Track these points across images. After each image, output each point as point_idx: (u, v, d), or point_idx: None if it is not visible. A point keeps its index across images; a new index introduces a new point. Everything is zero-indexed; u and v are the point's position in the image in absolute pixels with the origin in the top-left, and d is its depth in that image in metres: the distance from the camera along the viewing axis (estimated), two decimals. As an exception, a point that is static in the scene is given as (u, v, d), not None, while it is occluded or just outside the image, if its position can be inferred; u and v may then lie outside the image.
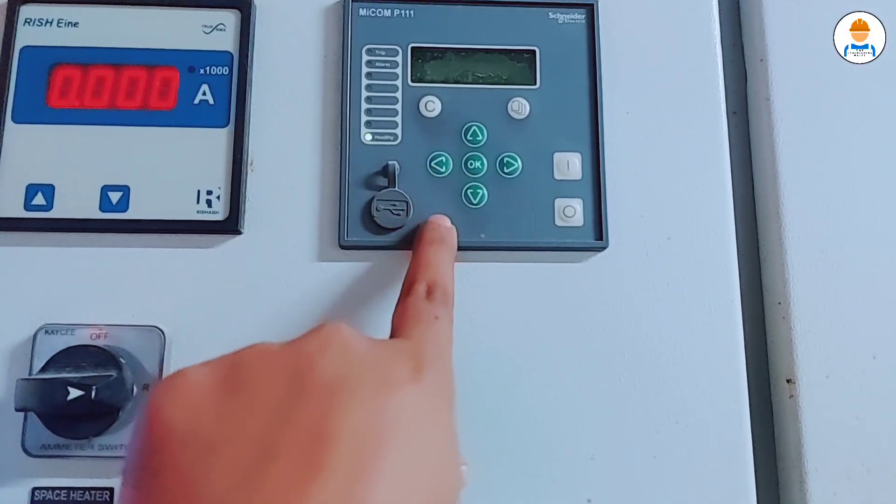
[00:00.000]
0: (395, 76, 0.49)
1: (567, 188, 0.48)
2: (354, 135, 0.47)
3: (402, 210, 0.46)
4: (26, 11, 0.47)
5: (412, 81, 0.49)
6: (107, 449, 0.42)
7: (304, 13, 0.50)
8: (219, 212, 0.45)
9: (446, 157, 0.48)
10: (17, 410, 0.38)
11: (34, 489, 0.42)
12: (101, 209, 0.45)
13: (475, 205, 0.47)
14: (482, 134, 0.48)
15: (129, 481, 0.26)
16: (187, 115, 0.47)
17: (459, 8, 0.50)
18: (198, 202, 0.46)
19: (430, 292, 0.38)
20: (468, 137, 0.48)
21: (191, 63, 0.48)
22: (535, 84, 0.49)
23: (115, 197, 0.45)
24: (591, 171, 0.48)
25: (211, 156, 0.46)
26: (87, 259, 0.45)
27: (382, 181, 0.47)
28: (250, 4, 0.48)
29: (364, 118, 0.48)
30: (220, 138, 0.47)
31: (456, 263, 0.45)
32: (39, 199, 0.45)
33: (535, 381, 0.46)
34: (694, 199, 0.49)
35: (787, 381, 0.48)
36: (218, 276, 0.45)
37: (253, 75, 0.48)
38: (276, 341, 0.30)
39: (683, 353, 0.47)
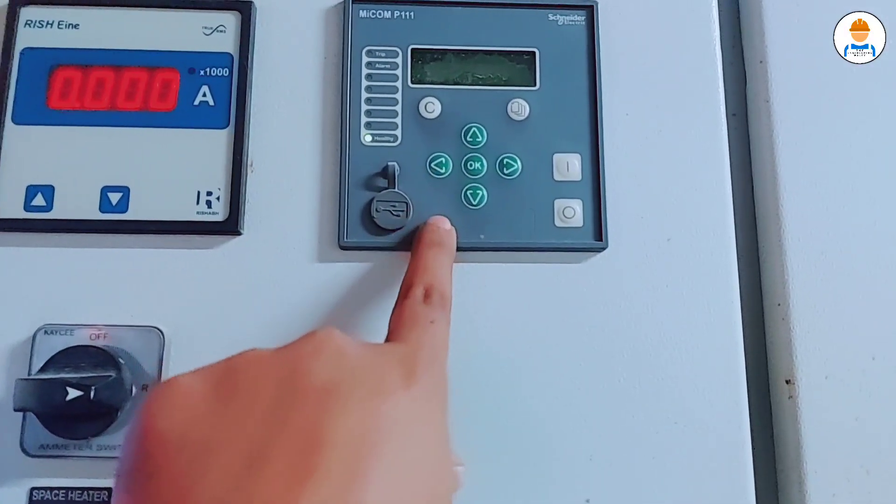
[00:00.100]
0: (395, 77, 0.49)
1: (567, 189, 0.48)
2: (354, 136, 0.47)
3: (402, 211, 0.46)
4: (27, 13, 0.48)
5: (412, 83, 0.49)
6: (105, 449, 0.42)
7: (304, 15, 0.50)
8: (219, 213, 0.46)
9: (446, 159, 0.48)
10: (15, 410, 0.38)
11: (32, 489, 0.42)
12: (101, 210, 0.45)
13: (475, 206, 0.47)
14: (482, 135, 0.48)
15: (122, 486, 0.26)
16: (187, 117, 0.47)
17: (459, 9, 0.50)
18: (198, 203, 0.46)
19: (427, 295, 0.38)
20: (468, 138, 0.48)
21: (191, 64, 0.48)
22: (534, 85, 0.49)
23: (114, 198, 0.45)
24: (590, 172, 0.48)
25: (211, 157, 0.46)
26: (86, 260, 0.45)
27: (382, 182, 0.47)
28: (250, 6, 0.48)
29: (364, 119, 0.48)
30: (220, 139, 0.47)
31: (456, 264, 0.45)
32: (39, 200, 0.45)
33: (535, 382, 0.46)
34: (694, 200, 0.49)
35: (787, 381, 0.48)
36: (218, 277, 0.45)
37: (253, 77, 0.48)
38: (269, 346, 0.30)
39: (683, 353, 0.47)
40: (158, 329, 0.44)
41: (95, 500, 0.41)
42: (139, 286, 0.45)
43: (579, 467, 0.45)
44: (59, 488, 0.42)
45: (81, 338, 0.43)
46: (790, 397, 0.47)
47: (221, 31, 0.48)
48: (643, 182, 0.49)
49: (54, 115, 0.46)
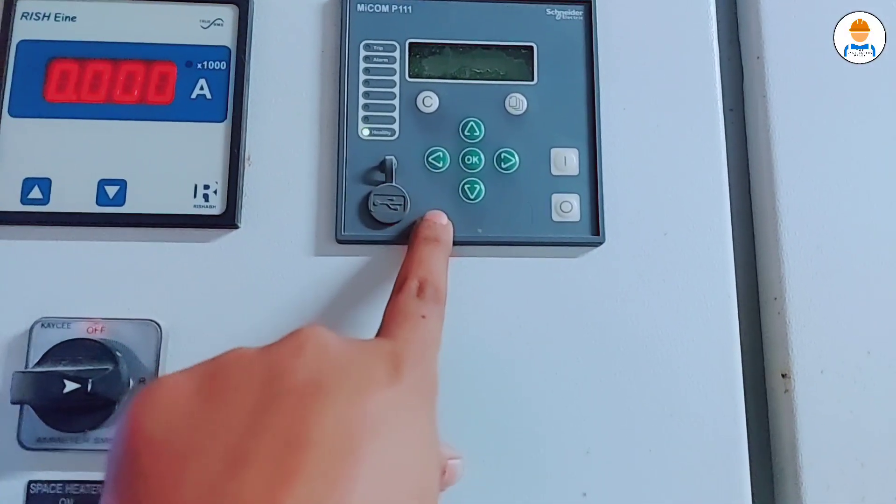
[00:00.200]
0: (393, 71, 0.49)
1: (564, 184, 0.48)
2: (352, 130, 0.47)
3: (400, 205, 0.46)
4: (23, 5, 0.47)
5: (410, 77, 0.49)
6: (102, 442, 0.42)
7: (301, 8, 0.50)
8: (216, 206, 0.45)
9: (444, 153, 0.48)
10: (12, 403, 0.38)
11: (30, 482, 0.42)
12: (98, 203, 0.45)
13: (472, 200, 0.47)
14: (480, 129, 0.48)
15: (110, 486, 0.26)
16: (185, 110, 0.47)
17: (457, 4, 0.50)
18: (195, 196, 0.46)
19: (421, 289, 0.38)
20: (466, 133, 0.48)
21: (188, 58, 0.48)
22: (532, 80, 0.49)
23: (111, 191, 0.45)
24: (588, 167, 0.48)
25: (208, 150, 0.46)
26: (83, 253, 0.45)
27: (380, 176, 0.47)
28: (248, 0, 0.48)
29: (361, 113, 0.48)
30: (217, 133, 0.47)
31: (453, 258, 0.45)
32: (36, 193, 0.45)
33: (531, 376, 0.46)
34: (690, 195, 0.49)
35: (782, 375, 0.48)
36: (215, 271, 0.45)
37: (250, 70, 0.48)
38: (266, 340, 0.30)
39: (679, 347, 0.47)
40: (155, 322, 0.44)
41: (92, 492, 0.41)
42: (136, 279, 0.45)
43: (576, 461, 0.45)
44: (56, 481, 0.42)
45: (78, 331, 0.43)
46: (786, 391, 0.48)
47: (219, 25, 0.48)
48: (640, 177, 0.49)
49: (51, 108, 0.46)
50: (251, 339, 0.43)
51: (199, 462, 0.25)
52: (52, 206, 0.45)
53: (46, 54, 0.47)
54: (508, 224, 0.47)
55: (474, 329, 0.46)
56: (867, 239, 0.50)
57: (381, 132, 0.48)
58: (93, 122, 0.46)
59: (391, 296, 0.38)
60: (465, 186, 0.47)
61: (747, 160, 0.53)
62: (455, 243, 0.46)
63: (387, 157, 0.47)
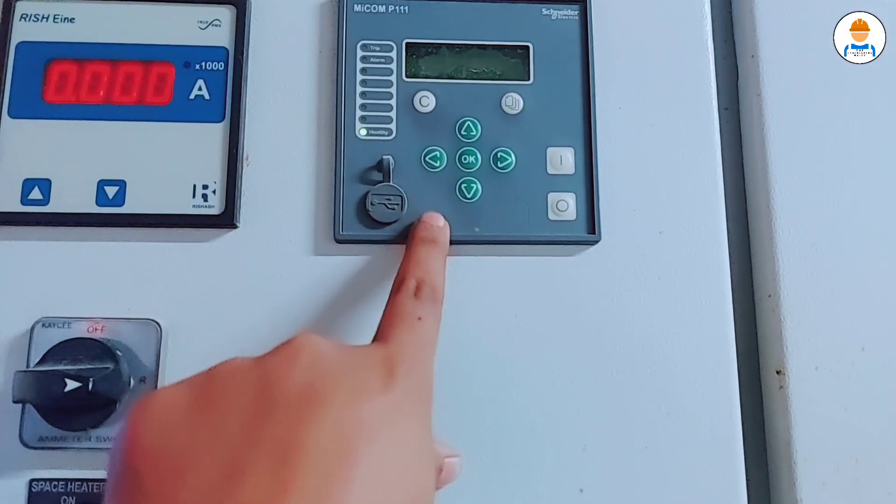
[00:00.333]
0: (390, 71, 0.49)
1: (560, 182, 0.48)
2: (349, 130, 0.48)
3: (397, 204, 0.46)
4: (22, 7, 0.48)
5: (406, 77, 0.49)
6: (104, 441, 0.42)
7: (299, 9, 0.50)
8: (215, 206, 0.46)
9: (440, 152, 0.48)
10: (14, 402, 0.38)
11: (32, 481, 0.42)
12: (98, 203, 0.45)
13: (469, 199, 0.47)
14: (476, 129, 0.48)
15: (109, 499, 0.27)
16: (183, 110, 0.47)
17: (453, 4, 0.50)
18: (194, 196, 0.46)
19: (418, 289, 0.38)
20: (462, 132, 0.48)
21: (186, 58, 0.48)
22: (528, 79, 0.50)
23: (111, 191, 0.45)
24: (584, 166, 0.49)
25: (207, 150, 0.47)
26: (83, 253, 0.45)
27: (377, 176, 0.47)
28: (245, 0, 0.49)
29: (359, 113, 0.48)
30: (215, 133, 0.47)
31: (450, 257, 0.45)
32: (36, 194, 0.45)
33: (528, 374, 0.46)
34: (686, 193, 0.49)
35: (777, 372, 0.48)
36: (214, 270, 0.46)
37: (248, 71, 0.48)
38: (265, 339, 0.30)
39: (675, 345, 0.47)
40: (156, 322, 0.44)
41: (94, 491, 0.42)
42: (136, 279, 0.45)
43: (573, 458, 0.46)
44: (58, 480, 0.42)
45: (79, 330, 0.43)
46: (780, 388, 0.48)
47: (217, 26, 0.48)
48: (636, 175, 0.49)
49: (50, 109, 0.46)
50: (250, 337, 0.44)
51: (197, 473, 0.25)
52: (52, 207, 0.45)
53: (45, 56, 0.47)
54: (505, 223, 0.47)
55: (472, 327, 0.47)
56: (861, 237, 0.50)
57: (378, 132, 0.48)
58: (92, 122, 0.46)
59: (389, 296, 0.38)
60: (462, 186, 0.48)
61: (742, 158, 0.54)
62: (452, 242, 0.46)
63: (384, 157, 0.47)
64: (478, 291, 0.47)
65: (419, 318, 0.36)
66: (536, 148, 0.49)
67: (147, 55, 0.48)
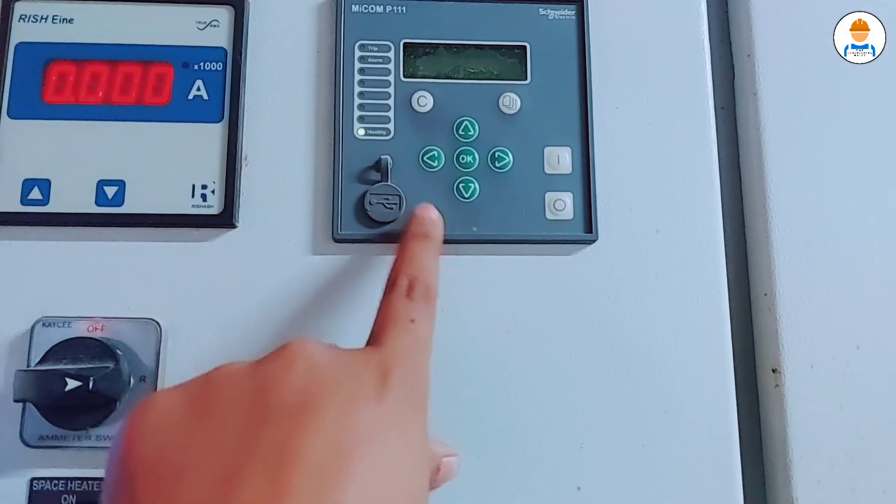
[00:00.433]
0: (388, 72, 0.49)
1: (557, 182, 0.48)
2: (347, 130, 0.48)
3: (395, 204, 0.47)
4: (21, 8, 0.48)
5: (404, 77, 0.49)
6: (104, 440, 0.42)
7: (297, 9, 0.50)
8: (213, 206, 0.46)
9: (438, 152, 0.48)
10: (15, 401, 0.38)
11: (32, 479, 0.42)
12: (97, 203, 0.45)
13: (467, 198, 0.48)
14: (474, 129, 0.49)
15: None
16: (182, 111, 0.47)
17: (451, 4, 0.50)
18: (193, 196, 0.46)
19: (411, 288, 0.38)
20: (460, 132, 0.49)
21: (185, 59, 0.48)
22: (525, 79, 0.50)
23: (110, 191, 0.46)
24: (581, 166, 0.49)
25: (205, 150, 0.47)
26: (83, 253, 0.45)
27: (375, 175, 0.47)
28: (244, 1, 0.49)
29: (357, 113, 0.48)
30: (214, 133, 0.47)
31: (448, 256, 0.46)
32: (36, 194, 0.45)
33: (526, 372, 0.47)
34: (682, 192, 0.50)
35: (773, 371, 0.49)
36: (213, 270, 0.46)
37: (247, 71, 0.48)
38: (264, 337, 0.30)
39: (672, 343, 0.47)
40: (155, 321, 0.44)
41: (95, 489, 0.42)
42: (136, 279, 0.45)
43: (570, 456, 0.46)
44: (58, 478, 0.42)
45: (79, 330, 0.43)
46: (776, 386, 0.48)
47: (215, 26, 0.49)
48: (633, 175, 0.50)
49: (49, 110, 0.47)
50: (249, 336, 0.45)
51: (192, 481, 0.25)
52: (51, 207, 0.45)
53: (44, 56, 0.47)
54: (503, 222, 0.48)
55: (469, 326, 0.47)
56: (856, 236, 0.50)
57: (376, 132, 0.48)
58: (91, 123, 0.47)
59: (383, 295, 0.38)
60: (460, 185, 0.48)
61: (738, 158, 0.54)
62: (450, 241, 0.46)
63: (382, 157, 0.47)
64: (476, 290, 0.47)
65: (412, 321, 0.35)
66: (534, 147, 0.49)
67: (146, 56, 0.48)
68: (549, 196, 0.48)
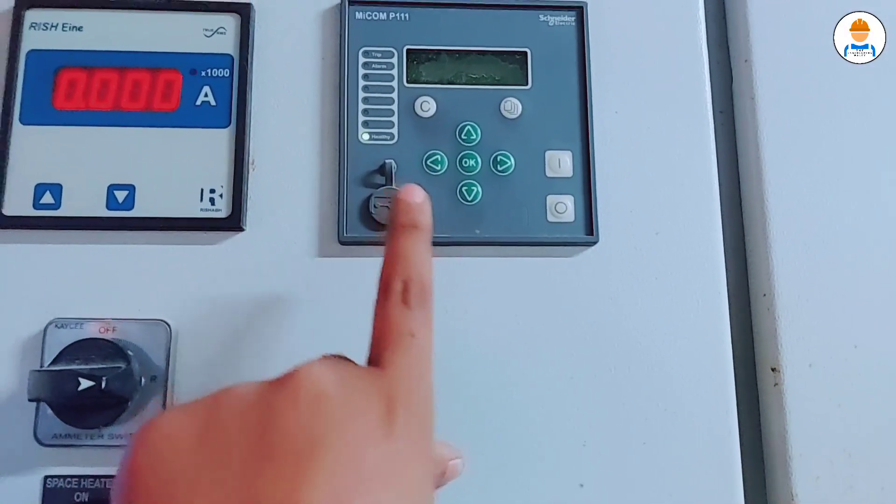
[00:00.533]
0: (391, 77, 0.50)
1: (559, 185, 0.49)
2: (352, 134, 0.49)
3: (392, 197, 0.47)
4: (32, 16, 0.49)
5: (408, 82, 0.50)
6: (116, 438, 0.43)
7: (302, 17, 0.51)
8: (221, 209, 0.47)
9: (441, 156, 0.49)
10: (29, 401, 0.39)
11: (46, 477, 0.43)
12: (108, 207, 0.46)
13: (470, 201, 0.48)
14: (476, 133, 0.49)
15: None
16: (190, 116, 0.48)
17: (453, 11, 0.51)
18: (201, 200, 0.47)
19: (406, 291, 0.36)
20: (462, 136, 0.49)
21: (193, 66, 0.49)
22: (526, 84, 0.51)
23: (121, 195, 0.46)
24: (581, 169, 0.50)
25: (213, 155, 0.48)
26: (94, 256, 0.46)
27: (380, 179, 0.48)
28: (250, 8, 0.50)
29: (361, 118, 0.49)
30: (221, 138, 0.48)
31: (452, 258, 0.46)
32: (48, 198, 0.46)
33: (529, 372, 0.47)
34: (682, 195, 0.50)
35: (772, 369, 0.49)
36: (221, 272, 0.47)
37: (253, 77, 0.49)
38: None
39: (672, 343, 0.48)
40: (165, 322, 0.45)
41: (107, 487, 0.43)
42: (146, 281, 0.46)
43: (573, 453, 0.46)
44: (71, 476, 0.43)
45: (91, 331, 0.44)
46: (775, 385, 0.49)
47: (222, 33, 0.49)
48: (633, 178, 0.50)
49: (60, 116, 0.47)
50: (256, 336, 0.45)
51: None
52: (63, 211, 0.46)
53: (55, 63, 0.48)
54: (505, 225, 0.48)
55: (473, 327, 0.47)
56: (854, 236, 0.51)
57: (380, 136, 0.49)
58: (101, 128, 0.47)
59: (377, 300, 0.37)
60: (463, 188, 0.49)
61: (737, 160, 0.55)
62: (453, 244, 0.47)
63: (386, 161, 0.48)
64: (478, 292, 0.48)
65: (412, 335, 0.34)
66: (535, 151, 0.50)
67: (154, 62, 0.49)
68: (551, 199, 0.49)
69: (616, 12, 0.53)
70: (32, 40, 0.48)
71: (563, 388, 0.47)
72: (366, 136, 0.49)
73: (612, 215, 0.49)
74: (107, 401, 0.40)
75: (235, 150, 0.48)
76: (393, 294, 0.36)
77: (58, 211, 0.46)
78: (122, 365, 0.41)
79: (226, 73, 0.49)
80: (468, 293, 0.48)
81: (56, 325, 0.44)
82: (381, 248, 0.47)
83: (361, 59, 0.50)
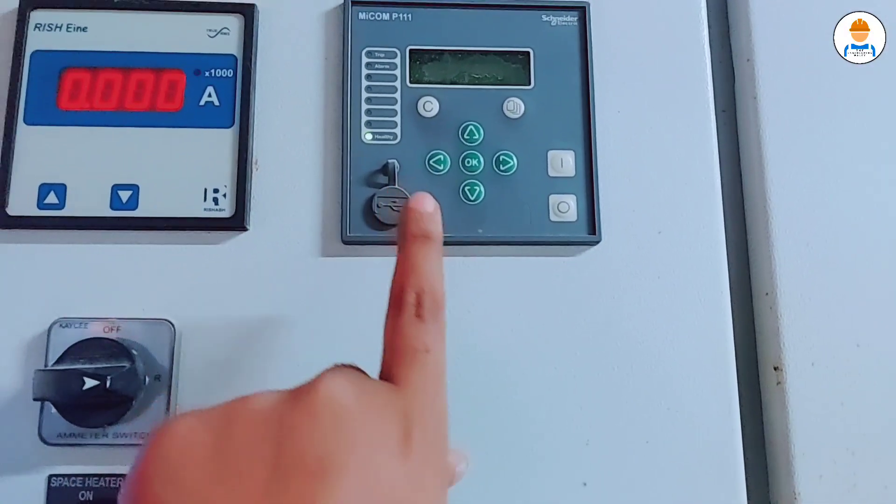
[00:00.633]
0: (394, 77, 0.50)
1: (561, 185, 0.49)
2: (355, 134, 0.49)
3: (402, 206, 0.47)
4: (36, 17, 0.49)
5: (410, 82, 0.50)
6: (121, 437, 0.43)
7: (305, 17, 0.51)
8: (225, 209, 0.47)
9: (444, 156, 0.49)
10: (35, 400, 0.39)
11: (50, 476, 0.43)
12: (112, 207, 0.46)
13: (472, 201, 0.49)
14: (479, 133, 0.50)
15: None
16: (193, 117, 0.48)
17: (455, 11, 0.51)
18: (205, 200, 0.47)
19: (419, 304, 0.35)
20: (465, 136, 0.49)
21: (196, 66, 0.49)
22: (529, 84, 0.51)
23: (124, 195, 0.47)
24: (584, 168, 0.50)
25: (217, 155, 0.48)
26: (98, 255, 0.46)
27: (383, 179, 0.48)
28: (253, 9, 0.50)
29: (364, 118, 0.49)
30: (225, 138, 0.48)
31: (455, 258, 0.46)
32: (52, 198, 0.46)
33: (532, 371, 0.47)
34: (684, 194, 0.51)
35: (775, 368, 0.49)
36: (225, 271, 0.47)
37: (256, 77, 0.49)
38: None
39: (674, 342, 0.48)
40: (169, 321, 0.45)
41: (111, 486, 0.43)
42: (150, 280, 0.46)
43: (576, 452, 0.47)
44: (76, 475, 0.43)
45: (95, 331, 0.44)
46: (778, 383, 0.49)
47: (225, 34, 0.50)
48: (635, 177, 0.50)
49: (65, 116, 0.48)
50: (260, 335, 0.45)
51: None
52: (67, 211, 0.46)
53: (59, 64, 0.48)
54: (508, 224, 0.49)
55: (476, 326, 0.48)
56: (856, 235, 0.51)
57: (383, 136, 0.49)
58: (105, 129, 0.48)
59: (389, 311, 0.36)
60: (466, 188, 0.49)
61: (739, 159, 0.55)
62: (456, 243, 0.47)
63: (389, 161, 0.48)
64: (481, 291, 0.48)
65: (427, 351, 0.33)
66: (537, 151, 0.50)
67: (158, 63, 0.49)
68: (553, 198, 0.49)
69: (618, 12, 0.53)
70: (37, 41, 0.49)
71: (566, 388, 0.47)
72: (369, 136, 0.49)
73: (614, 215, 0.49)
74: (111, 400, 0.41)
75: (239, 150, 0.48)
76: (406, 307, 0.35)
77: (62, 211, 0.46)
78: (127, 364, 0.41)
79: (229, 73, 0.49)
80: (471, 293, 0.48)
81: (60, 325, 0.44)
82: (385, 248, 0.47)
83: (364, 59, 0.50)
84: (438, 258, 0.39)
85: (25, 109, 0.47)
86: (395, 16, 0.51)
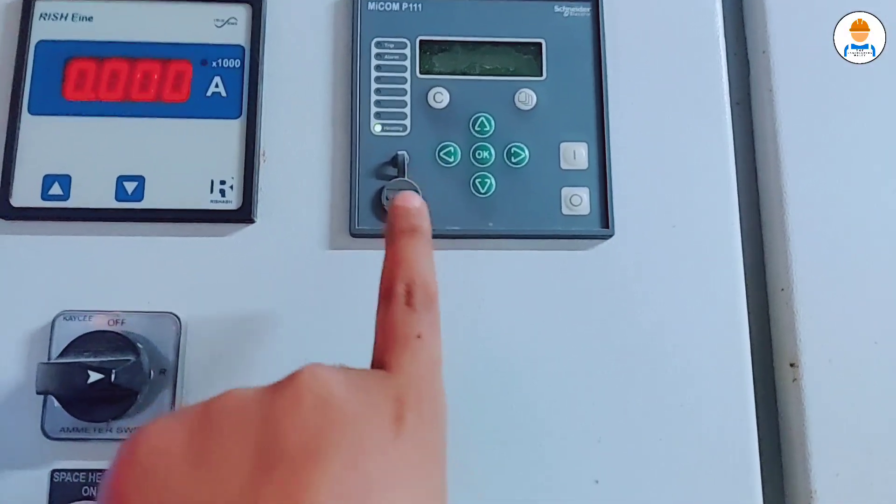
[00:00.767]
0: (404, 68, 0.49)
1: (574, 177, 0.49)
2: (364, 126, 0.48)
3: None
4: (41, 6, 0.48)
5: (420, 73, 0.49)
6: (125, 432, 0.43)
7: (314, 7, 0.51)
8: (232, 201, 0.46)
9: (454, 148, 0.48)
10: (38, 393, 0.38)
11: (53, 471, 0.43)
12: (117, 199, 0.46)
13: (483, 194, 0.48)
14: (490, 124, 0.49)
15: None
16: (200, 107, 0.48)
17: (466, 1, 0.51)
18: (211, 192, 0.46)
19: (409, 295, 0.34)
20: (476, 128, 0.49)
21: (203, 56, 0.48)
22: (541, 75, 0.50)
23: (130, 187, 0.46)
24: (597, 161, 0.49)
25: (224, 146, 0.47)
26: (103, 247, 0.46)
27: (392, 171, 0.48)
28: (261, -1, 0.49)
29: (374, 109, 0.49)
30: (232, 129, 0.47)
31: (465, 251, 0.46)
32: (56, 189, 0.46)
33: (543, 367, 0.47)
34: (698, 187, 0.50)
35: (791, 365, 0.49)
36: (231, 264, 0.46)
37: (264, 68, 0.49)
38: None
39: (689, 338, 0.47)
40: (174, 314, 0.44)
41: (115, 481, 0.42)
42: (155, 273, 0.46)
43: (588, 449, 0.46)
44: (79, 470, 0.43)
45: (99, 323, 0.43)
46: (794, 380, 0.48)
47: (233, 24, 0.49)
48: (649, 170, 0.50)
49: (70, 106, 0.47)
50: (267, 329, 0.45)
51: None
52: (72, 202, 0.46)
53: (64, 54, 0.48)
54: (519, 217, 0.48)
55: (486, 321, 0.47)
56: (873, 230, 0.50)
57: (392, 128, 0.48)
58: (111, 119, 0.47)
59: (379, 304, 0.35)
60: (476, 181, 0.48)
61: (754, 153, 0.54)
62: (466, 237, 0.47)
63: (399, 153, 0.47)
64: (492, 285, 0.47)
65: (419, 337, 0.32)
66: (550, 143, 0.49)
67: (165, 53, 0.48)
68: (566, 191, 0.48)
69: (631, 2, 0.52)
70: (42, 30, 0.48)
71: (578, 384, 0.47)
72: (378, 128, 0.48)
73: (627, 208, 0.49)
74: (116, 394, 0.40)
75: (246, 142, 0.47)
76: (396, 298, 0.34)
77: (66, 202, 0.46)
78: (132, 358, 0.41)
79: (237, 63, 0.48)
80: (481, 287, 0.47)
81: (64, 318, 0.44)
82: (394, 241, 0.47)
83: (374, 50, 0.50)
84: (429, 252, 0.37)
85: (30, 99, 0.47)
86: (405, 6, 0.50)
